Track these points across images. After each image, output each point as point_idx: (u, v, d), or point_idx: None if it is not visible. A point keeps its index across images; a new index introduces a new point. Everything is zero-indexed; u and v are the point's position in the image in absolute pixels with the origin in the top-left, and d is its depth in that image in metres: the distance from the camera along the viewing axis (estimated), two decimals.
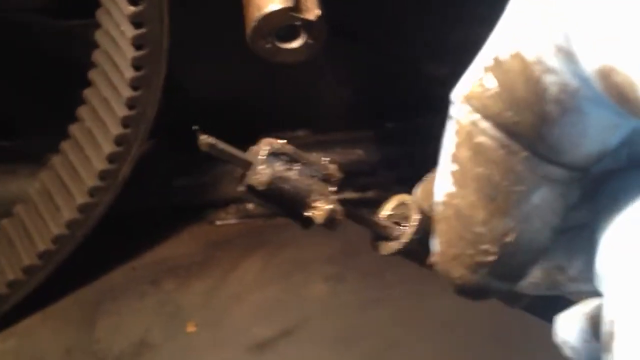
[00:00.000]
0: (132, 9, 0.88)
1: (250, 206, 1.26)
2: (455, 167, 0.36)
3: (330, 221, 0.44)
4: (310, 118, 1.22)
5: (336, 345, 1.12)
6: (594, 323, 0.40)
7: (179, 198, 1.23)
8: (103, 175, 1.06)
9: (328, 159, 0.47)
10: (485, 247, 0.36)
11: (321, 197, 0.45)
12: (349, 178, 1.35)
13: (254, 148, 0.46)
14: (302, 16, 0.76)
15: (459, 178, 0.36)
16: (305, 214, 0.45)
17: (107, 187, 1.08)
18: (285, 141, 0.45)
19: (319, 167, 0.46)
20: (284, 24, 0.76)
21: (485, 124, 0.34)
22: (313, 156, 0.46)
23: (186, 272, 1.20)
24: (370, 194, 1.27)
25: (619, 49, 0.28)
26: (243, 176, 0.46)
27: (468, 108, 0.34)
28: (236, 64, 1.13)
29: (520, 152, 0.34)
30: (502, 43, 0.33)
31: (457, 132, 0.35)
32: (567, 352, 0.43)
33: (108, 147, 1.04)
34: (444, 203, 0.37)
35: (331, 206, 0.44)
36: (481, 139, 0.34)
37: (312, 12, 0.76)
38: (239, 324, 1.14)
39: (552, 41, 0.31)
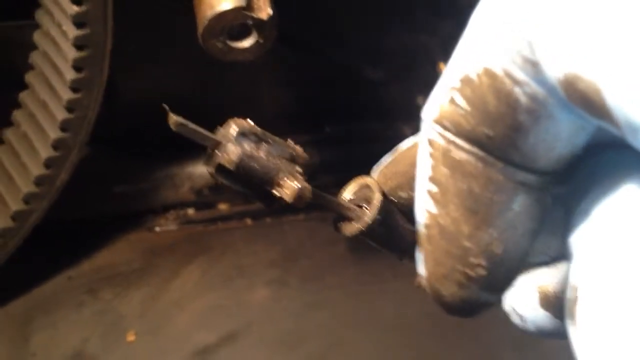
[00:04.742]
0: (75, 8, 0.87)
1: (190, 212, 1.25)
2: (434, 187, 0.36)
3: (298, 199, 0.45)
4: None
5: (280, 348, 1.12)
6: (542, 292, 0.42)
7: (117, 205, 1.21)
8: (39, 181, 1.03)
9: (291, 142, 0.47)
10: (473, 260, 0.36)
11: (289, 175, 0.45)
12: None
13: (222, 129, 0.47)
14: (254, 15, 0.77)
15: (439, 198, 0.36)
16: (275, 192, 0.45)
17: (43, 194, 1.05)
18: (251, 121, 0.46)
19: (285, 148, 0.46)
20: (236, 22, 0.77)
21: (459, 141, 0.34)
22: (278, 138, 0.47)
23: (125, 280, 1.17)
24: None
25: (581, 56, 0.29)
26: (211, 156, 0.45)
27: (440, 128, 0.35)
28: (176, 68, 1.13)
29: (497, 163, 0.34)
30: (468, 60, 0.34)
31: (432, 154, 0.36)
32: (515, 319, 0.44)
33: (45, 152, 1.01)
34: (427, 225, 0.37)
35: (299, 184, 0.45)
36: (457, 155, 0.34)
37: (264, 11, 0.77)
38: (180, 332, 1.13)
39: (518, 53, 0.31)
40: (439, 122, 0.35)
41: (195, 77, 1.14)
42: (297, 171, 0.46)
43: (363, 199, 0.47)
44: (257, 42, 0.80)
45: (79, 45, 0.90)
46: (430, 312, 1.16)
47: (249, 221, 1.27)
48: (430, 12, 1.18)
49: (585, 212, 0.34)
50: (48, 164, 1.02)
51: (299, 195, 0.44)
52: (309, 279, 1.21)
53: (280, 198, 0.45)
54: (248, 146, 0.44)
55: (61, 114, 0.97)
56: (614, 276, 0.31)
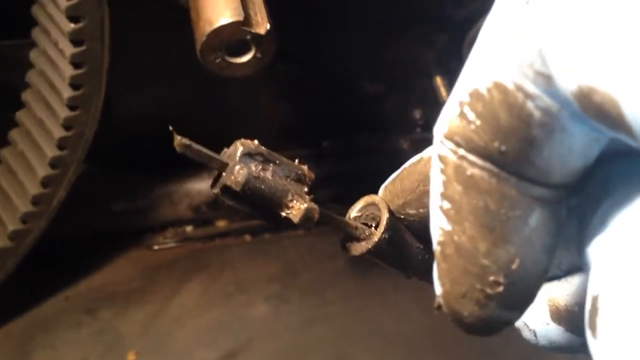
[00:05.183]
0: (72, 26, 0.87)
1: (188, 229, 1.24)
2: (446, 204, 0.35)
3: (306, 220, 0.44)
4: (247, 138, 1.23)
5: None
6: (553, 305, 0.42)
7: (115, 222, 1.20)
8: (36, 200, 1.03)
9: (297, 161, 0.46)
10: (492, 278, 0.35)
11: (296, 196, 0.45)
12: None
13: (228, 150, 0.46)
14: (252, 30, 0.77)
15: (453, 215, 0.35)
16: (282, 213, 0.45)
17: (41, 213, 1.04)
18: (257, 142, 0.46)
19: (292, 168, 0.46)
20: (235, 38, 0.77)
21: (472, 157, 0.34)
22: (284, 158, 0.46)
23: (124, 299, 1.16)
24: None
25: (596, 68, 0.28)
26: (217, 178, 0.45)
27: (451, 144, 0.34)
28: (173, 85, 1.13)
29: (511, 179, 0.33)
30: (477, 73, 0.33)
31: (443, 170, 0.35)
32: (526, 334, 0.43)
33: (42, 171, 1.00)
34: (442, 243, 0.36)
35: (307, 205, 0.44)
36: (471, 171, 0.34)
37: (262, 26, 0.78)
38: (181, 350, 1.12)
39: (529, 65, 0.31)
40: (449, 137, 0.34)
41: (193, 93, 1.14)
42: (304, 192, 0.45)
43: (371, 217, 0.46)
44: (255, 57, 0.80)
45: (76, 62, 0.90)
46: (432, 325, 1.16)
47: (247, 237, 1.27)
48: (427, 26, 1.18)
49: (602, 223, 0.34)
50: (45, 182, 1.01)
51: (307, 217, 0.44)
52: (308, 293, 1.21)
53: (287, 219, 0.44)
54: (254, 167, 0.44)
55: (58, 132, 0.97)
56: (636, 285, 0.31)
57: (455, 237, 0.35)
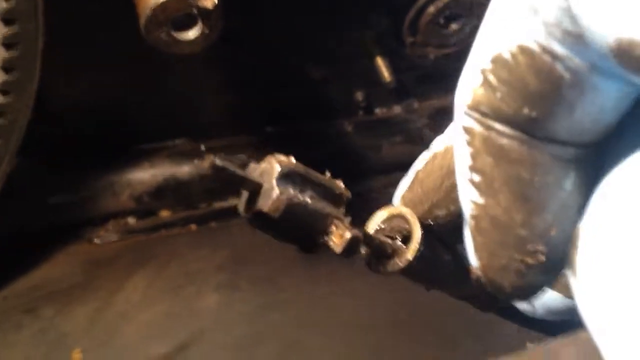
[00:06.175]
0: (3, 4, 0.82)
1: (131, 221, 1.19)
2: (477, 177, 0.34)
3: (349, 250, 0.41)
4: (190, 126, 1.19)
5: (235, 353, 1.09)
6: None
7: (53, 217, 1.14)
8: None
9: (329, 175, 0.43)
10: (531, 247, 0.35)
11: (337, 221, 0.41)
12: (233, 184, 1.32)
13: (262, 167, 0.42)
14: (199, 4, 0.74)
15: (485, 188, 0.34)
16: (321, 240, 0.41)
17: None
18: (293, 159, 0.42)
19: (328, 186, 0.43)
20: (181, 12, 0.74)
21: (499, 126, 0.32)
22: (320, 175, 0.43)
23: (66, 296, 1.11)
24: None
25: (637, 18, 0.27)
26: (251, 200, 0.41)
27: (476, 114, 0.33)
28: (112, 70, 1.08)
29: (542, 144, 0.33)
30: (499, 39, 0.32)
31: (470, 142, 0.34)
32: (523, 306, 0.43)
33: None
34: (476, 217, 0.35)
35: (351, 235, 0.40)
36: (499, 141, 0.33)
37: (209, 0, 0.75)
38: (129, 345, 1.08)
39: (557, 25, 0.30)
40: (474, 107, 0.33)
41: (134, 79, 1.10)
42: (342, 214, 0.42)
43: (396, 230, 0.44)
44: (202, 32, 0.77)
45: (8, 43, 0.84)
46: (387, 309, 1.15)
47: (193, 227, 1.23)
48: (367, 8, 1.18)
49: (608, 179, 0.33)
50: None
51: (351, 247, 0.41)
52: (260, 281, 1.18)
53: (325, 245, 0.41)
54: (293, 190, 0.40)
55: None
56: (616, 222, 0.30)
57: (490, 210, 0.34)
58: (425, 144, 0.45)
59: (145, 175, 1.18)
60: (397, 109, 1.28)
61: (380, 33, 1.21)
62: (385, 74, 1.21)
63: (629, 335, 0.27)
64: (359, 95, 1.29)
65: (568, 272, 0.33)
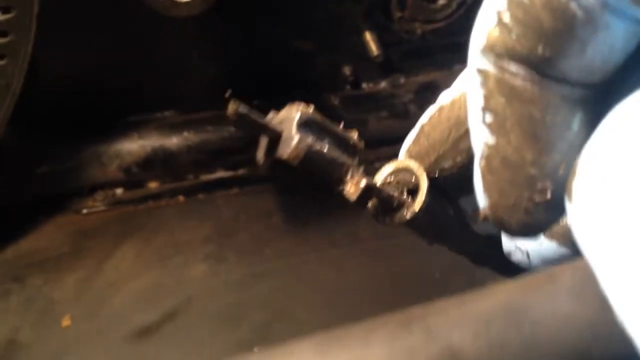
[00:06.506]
0: None
1: (119, 192, 1.20)
2: (490, 118, 0.35)
3: (364, 198, 0.42)
4: (177, 98, 1.20)
5: (222, 322, 1.11)
6: None
7: (41, 187, 1.15)
8: None
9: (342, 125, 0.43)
10: (540, 186, 0.36)
11: (353, 172, 0.42)
12: (221, 156, 1.34)
13: (281, 115, 0.43)
14: None
15: (497, 128, 0.35)
16: (337, 188, 0.42)
17: None
18: (312, 106, 0.42)
19: (344, 136, 0.43)
20: None
21: (514, 67, 0.34)
22: (336, 125, 0.44)
23: (55, 265, 1.12)
24: (241, 171, 1.27)
25: None
26: (271, 147, 0.42)
27: (491, 56, 0.34)
28: (100, 41, 1.08)
29: (554, 84, 0.34)
30: None
31: (483, 84, 0.35)
32: (517, 256, 0.44)
33: None
34: (486, 156, 0.36)
35: (366, 183, 0.41)
36: (513, 81, 0.34)
37: None
38: (118, 313, 1.09)
39: None
40: (489, 49, 0.34)
41: (120, 52, 1.10)
42: (357, 164, 0.43)
43: (402, 183, 0.45)
44: None
45: (3, 6, 0.84)
46: (370, 278, 1.18)
47: (181, 198, 1.24)
48: None
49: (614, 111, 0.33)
50: None
51: (365, 195, 0.42)
52: (246, 252, 1.20)
53: (341, 194, 0.42)
54: (311, 139, 0.41)
55: None
56: (614, 147, 0.31)
57: (501, 150, 0.36)
58: (410, 119, 0.46)
59: (134, 146, 1.18)
60: (383, 84, 1.30)
61: (369, 7, 1.22)
62: (374, 48, 1.22)
63: (624, 257, 0.27)
64: (347, 70, 1.30)
65: (565, 199, 0.34)
